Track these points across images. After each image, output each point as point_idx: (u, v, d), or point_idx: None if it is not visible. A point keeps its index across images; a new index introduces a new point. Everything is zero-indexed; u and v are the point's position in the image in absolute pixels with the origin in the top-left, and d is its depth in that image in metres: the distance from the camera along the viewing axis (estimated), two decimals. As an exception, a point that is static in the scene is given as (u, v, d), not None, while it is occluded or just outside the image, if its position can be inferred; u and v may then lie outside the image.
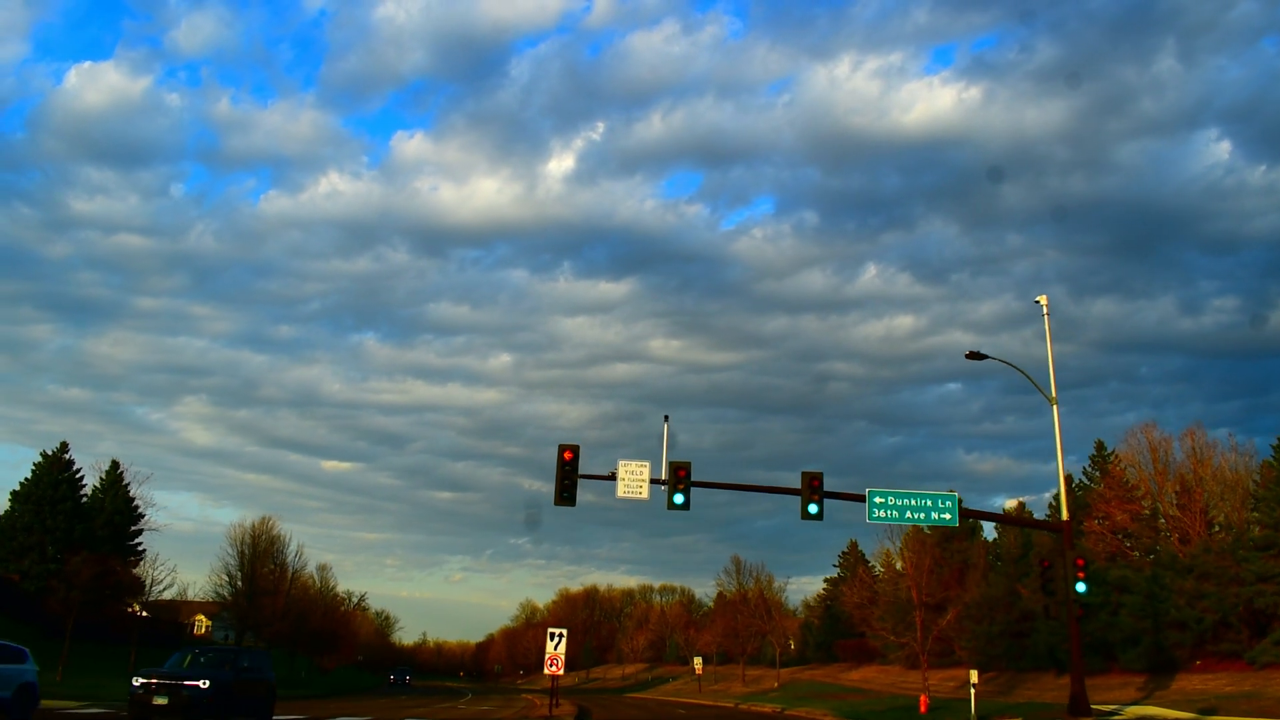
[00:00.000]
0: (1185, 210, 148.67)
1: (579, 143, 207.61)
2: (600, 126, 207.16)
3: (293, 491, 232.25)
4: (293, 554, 75.05)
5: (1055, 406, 29.76)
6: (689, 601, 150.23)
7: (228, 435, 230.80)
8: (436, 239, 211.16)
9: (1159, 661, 44.15)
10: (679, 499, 27.71)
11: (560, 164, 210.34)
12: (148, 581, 53.69)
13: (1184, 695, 37.75)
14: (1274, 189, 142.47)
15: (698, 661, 79.92)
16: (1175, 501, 50.42)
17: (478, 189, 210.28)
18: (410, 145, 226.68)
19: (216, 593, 66.67)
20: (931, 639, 46.31)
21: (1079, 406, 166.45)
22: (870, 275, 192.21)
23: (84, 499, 60.39)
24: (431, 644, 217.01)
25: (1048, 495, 74.95)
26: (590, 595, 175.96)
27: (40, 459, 59.44)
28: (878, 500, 28.60)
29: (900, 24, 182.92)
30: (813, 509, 27.86)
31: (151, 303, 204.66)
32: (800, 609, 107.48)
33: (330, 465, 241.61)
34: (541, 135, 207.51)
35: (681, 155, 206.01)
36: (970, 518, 30.69)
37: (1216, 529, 48.91)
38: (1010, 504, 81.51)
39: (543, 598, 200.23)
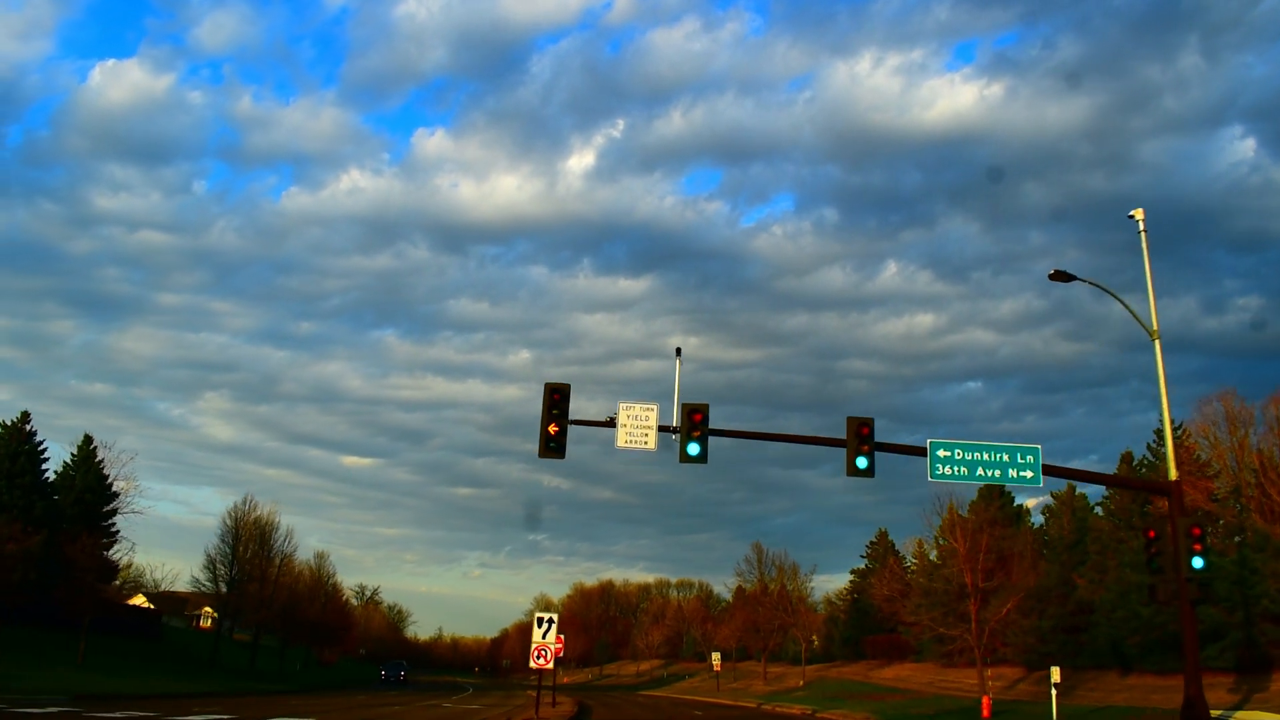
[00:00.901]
0: (1209, 208, 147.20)
1: (599, 139, 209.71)
2: (620, 123, 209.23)
3: (313, 487, 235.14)
4: (282, 538, 69.95)
5: (1157, 342, 24.06)
6: (707, 597, 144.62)
7: (249, 430, 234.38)
8: (457, 236, 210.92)
9: (1250, 659, 38.20)
10: (694, 449, 22.22)
11: (580, 161, 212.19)
12: (132, 570, 48.88)
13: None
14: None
15: (716, 657, 73.91)
16: (1259, 477, 44.43)
17: (498, 186, 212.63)
18: (431, 142, 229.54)
19: (194, 580, 61.82)
20: (987, 633, 40.46)
21: (1099, 406, 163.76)
22: (890, 273, 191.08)
23: (46, 473, 55.48)
24: (448, 639, 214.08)
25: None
26: (605, 590, 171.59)
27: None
28: (941, 454, 22.99)
29: (922, 20, 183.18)
30: (861, 463, 22.31)
31: (173, 299, 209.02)
32: (822, 605, 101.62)
33: (350, 461, 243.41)
34: (562, 132, 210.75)
35: (701, 152, 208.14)
36: (1057, 476, 24.95)
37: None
38: (1029, 503, 75.99)
39: (559, 593, 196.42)
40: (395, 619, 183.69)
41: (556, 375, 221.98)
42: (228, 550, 61.74)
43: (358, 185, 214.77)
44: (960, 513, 57.48)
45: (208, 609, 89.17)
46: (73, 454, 60.58)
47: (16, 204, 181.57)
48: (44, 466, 55.43)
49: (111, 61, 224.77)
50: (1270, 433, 45.96)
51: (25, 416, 54.87)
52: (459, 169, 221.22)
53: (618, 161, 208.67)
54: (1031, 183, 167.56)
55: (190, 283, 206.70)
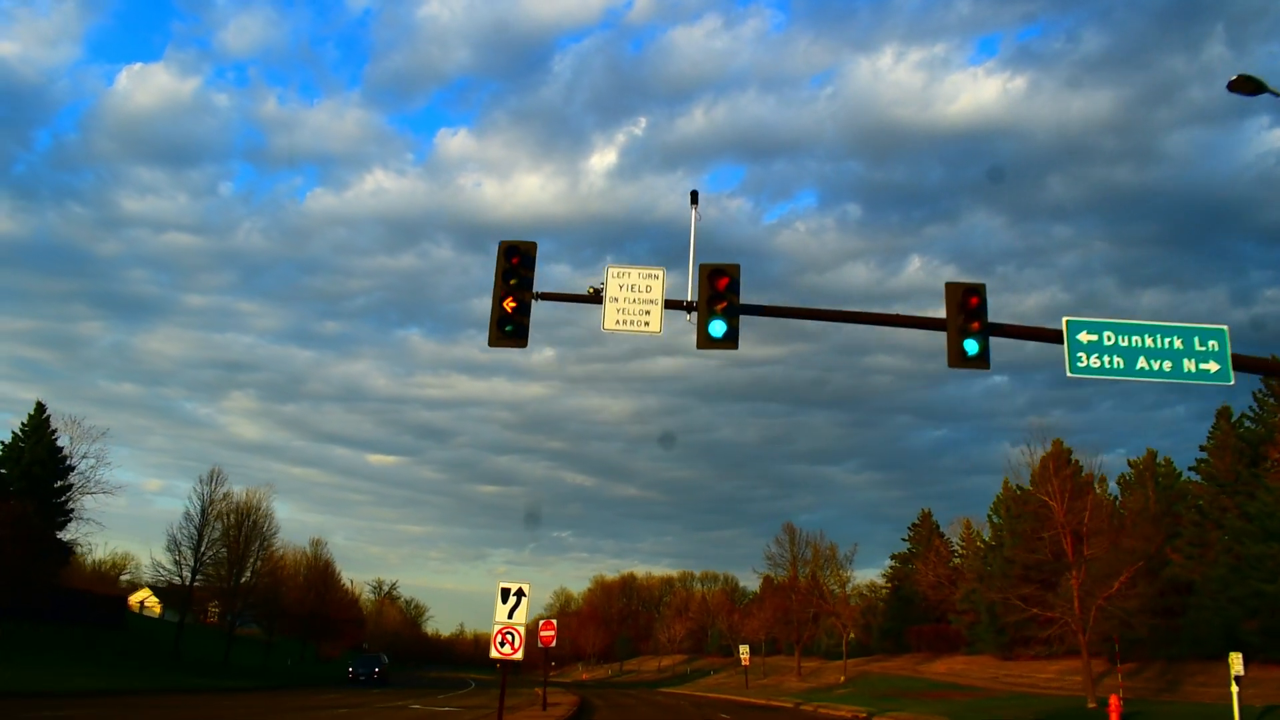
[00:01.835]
0: (1237, 199, 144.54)
1: (621, 138, 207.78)
2: (642, 121, 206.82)
3: (338, 485, 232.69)
4: (265, 522, 63.05)
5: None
6: (732, 590, 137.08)
7: (275, 430, 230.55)
8: (480, 235, 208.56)
9: None
10: (718, 328, 14.97)
11: (603, 159, 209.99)
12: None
13: None
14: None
15: (744, 650, 65.93)
16: None
17: (521, 185, 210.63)
18: (454, 142, 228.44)
19: (155, 565, 55.16)
20: (1092, 615, 32.82)
21: (1126, 400, 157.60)
22: (914, 268, 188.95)
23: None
24: (469, 635, 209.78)
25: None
26: (627, 583, 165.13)
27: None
28: (1083, 338, 15.53)
29: (944, 14, 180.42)
30: (971, 346, 14.96)
31: (200, 300, 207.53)
32: (854, 597, 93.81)
33: (376, 459, 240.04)
34: (584, 131, 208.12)
35: (724, 149, 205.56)
36: (1253, 371, 17.41)
37: None
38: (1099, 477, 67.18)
39: (580, 589, 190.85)
40: (413, 614, 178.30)
41: (580, 373, 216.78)
42: (194, 532, 55.12)
43: (382, 186, 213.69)
44: (1023, 483, 49.98)
45: (148, 595, 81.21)
46: (22, 424, 54.31)
47: (46, 207, 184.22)
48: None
49: (138, 65, 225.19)
50: None
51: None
52: (482, 169, 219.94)
53: (640, 160, 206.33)
54: (1056, 175, 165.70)
55: (217, 284, 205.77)
